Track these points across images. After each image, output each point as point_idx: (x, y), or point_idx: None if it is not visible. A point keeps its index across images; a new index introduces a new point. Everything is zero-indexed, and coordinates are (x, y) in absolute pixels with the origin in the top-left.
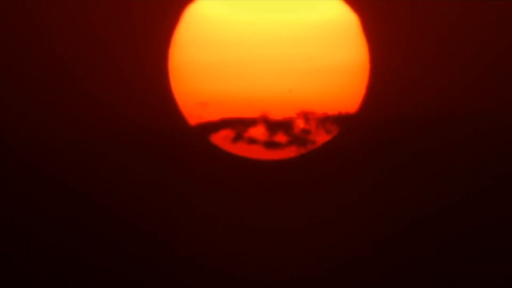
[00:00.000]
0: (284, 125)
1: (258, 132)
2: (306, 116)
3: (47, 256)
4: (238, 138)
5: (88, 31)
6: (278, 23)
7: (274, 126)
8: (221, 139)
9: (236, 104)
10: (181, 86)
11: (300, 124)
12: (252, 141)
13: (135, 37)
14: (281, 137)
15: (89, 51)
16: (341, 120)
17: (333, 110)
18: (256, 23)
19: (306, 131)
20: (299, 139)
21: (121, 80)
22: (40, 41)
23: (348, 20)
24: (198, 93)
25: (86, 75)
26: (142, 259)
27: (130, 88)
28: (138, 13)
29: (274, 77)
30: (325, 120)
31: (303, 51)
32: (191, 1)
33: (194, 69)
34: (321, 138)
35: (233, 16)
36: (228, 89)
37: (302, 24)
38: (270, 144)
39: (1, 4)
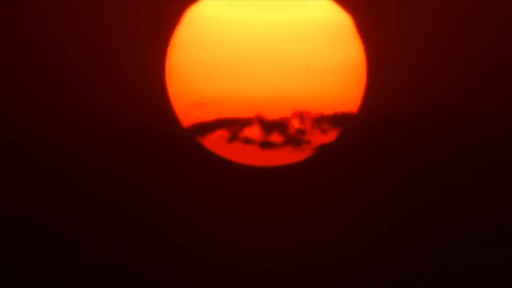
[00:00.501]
0: (280, 125)
1: (254, 132)
2: (301, 116)
3: (38, 255)
4: (233, 138)
5: (86, 30)
6: (271, 23)
7: (269, 126)
8: (217, 139)
9: (231, 104)
10: (179, 86)
11: (296, 124)
12: (248, 141)
13: (134, 39)
14: (276, 137)
15: (85, 50)
16: (336, 120)
17: (328, 110)
18: (251, 23)
19: (301, 131)
20: (294, 139)
21: (118, 80)
22: (41, 34)
23: (341, 21)
24: (194, 93)
25: (80, 75)
26: (129, 259)
27: (126, 88)
28: (138, 15)
29: (269, 77)
30: (321, 120)
31: (298, 51)
32: (193, 2)
33: (191, 69)
34: (317, 138)
35: (230, 16)
36: (223, 89)
37: (297, 25)
38: (266, 144)
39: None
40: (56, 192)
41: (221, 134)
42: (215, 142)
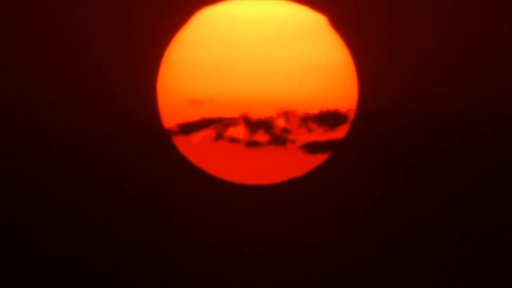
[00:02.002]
0: (265, 125)
1: (239, 131)
2: (286, 115)
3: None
4: (219, 137)
5: (83, 29)
6: (257, 24)
7: (254, 125)
8: (202, 138)
9: (217, 104)
10: (170, 85)
11: (281, 123)
12: (233, 140)
13: (134, 39)
14: (261, 136)
15: (81, 51)
16: (323, 119)
17: (314, 109)
18: (237, 24)
19: (286, 130)
20: (280, 138)
21: (112, 77)
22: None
23: (318, 21)
24: (183, 93)
25: (71, 75)
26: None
27: (117, 86)
28: (140, 16)
29: (255, 77)
30: (307, 119)
31: (283, 52)
32: (204, 6)
33: (181, 69)
34: (302, 137)
35: (224, 17)
36: (210, 89)
37: (282, 25)
38: (251, 144)
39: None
40: (32, 188)
41: (207, 133)
42: (200, 142)
